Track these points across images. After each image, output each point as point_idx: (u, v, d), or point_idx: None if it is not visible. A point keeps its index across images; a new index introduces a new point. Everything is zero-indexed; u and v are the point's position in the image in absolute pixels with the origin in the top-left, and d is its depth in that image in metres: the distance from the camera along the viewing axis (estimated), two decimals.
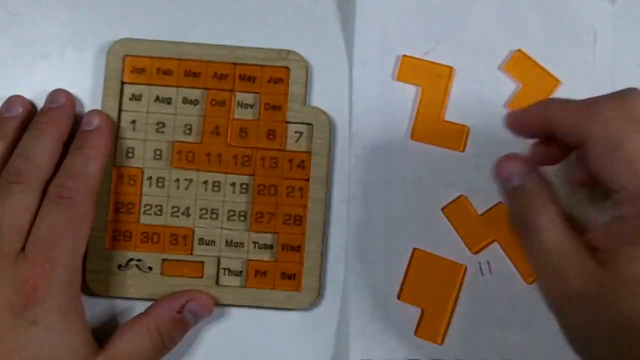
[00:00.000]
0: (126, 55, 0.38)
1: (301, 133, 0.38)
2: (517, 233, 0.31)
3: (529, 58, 0.39)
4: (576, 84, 0.39)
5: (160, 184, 0.38)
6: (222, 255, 0.38)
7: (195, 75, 0.38)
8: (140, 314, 0.36)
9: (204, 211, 0.38)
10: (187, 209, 0.38)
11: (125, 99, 0.38)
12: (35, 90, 0.38)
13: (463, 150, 0.38)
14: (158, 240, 0.38)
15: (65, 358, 0.33)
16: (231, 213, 0.38)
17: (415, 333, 0.37)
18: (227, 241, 0.38)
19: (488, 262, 0.38)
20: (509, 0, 0.39)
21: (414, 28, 0.39)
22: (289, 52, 0.38)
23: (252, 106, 0.38)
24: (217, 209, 0.38)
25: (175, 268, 0.38)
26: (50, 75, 0.39)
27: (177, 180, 0.38)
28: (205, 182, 0.38)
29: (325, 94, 0.39)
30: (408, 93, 0.39)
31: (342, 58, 0.39)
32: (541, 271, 0.30)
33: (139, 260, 0.37)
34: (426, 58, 0.39)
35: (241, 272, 0.38)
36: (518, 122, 0.32)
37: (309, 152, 0.38)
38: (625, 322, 0.27)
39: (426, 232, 0.38)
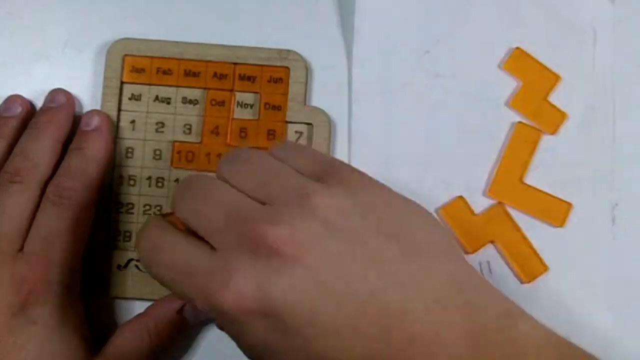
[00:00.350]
0: (126, 55, 0.38)
1: (301, 133, 0.38)
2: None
3: (529, 55, 0.39)
4: (576, 84, 0.39)
5: (159, 184, 0.38)
6: None
7: (195, 75, 0.38)
8: (140, 314, 0.36)
9: None
10: None
11: (125, 98, 0.38)
12: (35, 89, 0.38)
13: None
14: None
15: (64, 358, 0.33)
16: None
17: None
18: None
19: (488, 262, 0.38)
20: (509, 0, 0.39)
21: (413, 28, 0.39)
22: (288, 51, 0.38)
23: (252, 106, 0.38)
24: None
25: None
26: (50, 75, 0.39)
27: (177, 180, 0.38)
28: None
29: (325, 94, 0.39)
30: (409, 93, 0.39)
31: (342, 58, 0.39)
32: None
33: (138, 260, 0.37)
34: (426, 58, 0.39)
35: None
36: None
37: None
38: None
39: None
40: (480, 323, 0.27)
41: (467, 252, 0.38)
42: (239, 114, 0.38)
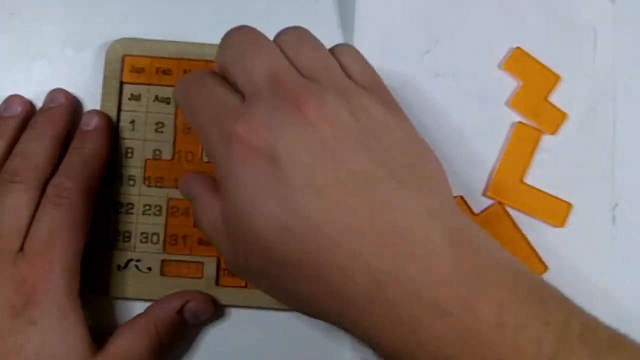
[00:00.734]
0: (125, 55, 0.38)
1: None
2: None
3: (529, 55, 0.39)
4: (576, 83, 0.39)
5: (159, 184, 0.38)
6: (222, 256, 0.37)
7: None
8: (140, 314, 0.36)
9: None
10: (187, 209, 0.38)
11: (125, 98, 0.38)
12: (34, 89, 0.38)
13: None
14: (157, 240, 0.37)
15: (63, 358, 0.33)
16: None
17: None
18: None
19: None
20: (509, 0, 0.39)
21: (413, 28, 0.39)
22: None
23: None
24: None
25: (175, 268, 0.37)
26: (49, 75, 0.39)
27: (176, 180, 0.38)
28: None
29: None
30: (409, 93, 0.39)
31: None
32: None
33: (138, 260, 0.37)
34: (426, 58, 0.39)
35: None
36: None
37: None
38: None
39: None
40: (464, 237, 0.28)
41: None
42: None
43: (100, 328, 0.37)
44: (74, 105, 0.38)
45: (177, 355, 0.37)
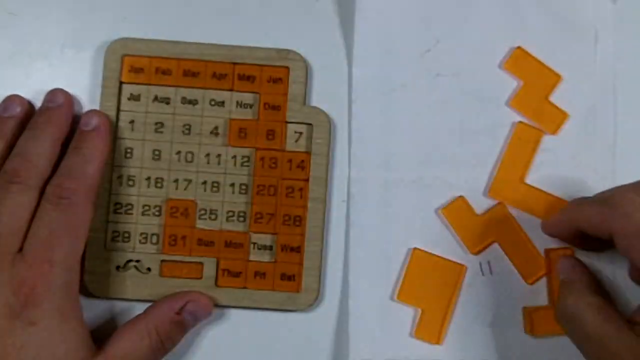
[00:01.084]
0: (124, 55, 0.38)
1: (301, 133, 0.38)
2: (562, 325, 0.33)
3: (529, 55, 0.39)
4: (577, 83, 0.39)
5: (159, 185, 0.38)
6: (221, 256, 0.37)
7: (194, 74, 0.38)
8: (139, 315, 0.36)
9: (202, 212, 0.38)
10: (186, 209, 0.38)
11: (124, 98, 0.38)
12: (34, 89, 0.38)
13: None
14: (157, 241, 0.37)
15: (62, 359, 0.33)
16: (230, 214, 0.38)
17: (415, 333, 0.37)
18: (226, 242, 0.37)
19: (489, 262, 0.38)
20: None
21: (413, 27, 0.39)
22: (288, 51, 0.38)
23: (251, 106, 0.38)
24: (216, 210, 0.38)
25: (174, 269, 0.37)
26: (49, 75, 0.39)
27: (176, 180, 0.38)
28: (205, 183, 0.38)
29: (325, 94, 0.39)
30: (409, 93, 0.39)
31: (342, 57, 0.39)
32: (587, 357, 0.32)
33: (137, 261, 0.37)
34: (426, 57, 0.39)
35: (240, 273, 0.37)
36: (552, 231, 0.37)
37: (308, 153, 0.38)
38: None
39: (426, 232, 0.38)
40: None
41: (470, 253, 0.38)
42: (239, 114, 0.38)
43: (99, 329, 0.37)
44: (73, 105, 0.38)
45: (177, 355, 0.37)
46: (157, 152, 0.38)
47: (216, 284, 0.37)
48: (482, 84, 0.39)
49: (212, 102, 0.38)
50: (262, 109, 0.38)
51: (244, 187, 0.38)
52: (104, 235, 0.37)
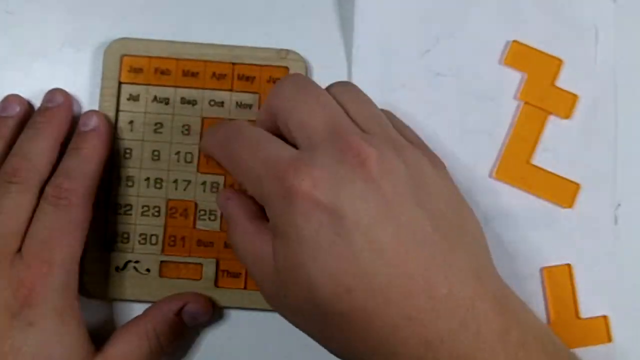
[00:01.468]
0: (124, 55, 0.38)
1: None
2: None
3: (527, 46, 0.39)
4: (577, 84, 0.39)
5: (158, 185, 0.38)
6: (221, 257, 0.37)
7: (193, 75, 0.38)
8: (138, 316, 0.36)
9: (202, 212, 0.38)
10: (185, 210, 0.37)
11: (123, 99, 0.38)
12: (33, 89, 0.38)
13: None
14: (156, 242, 0.37)
15: None
16: None
17: None
18: (226, 242, 0.37)
19: None
20: None
21: (413, 27, 0.39)
22: (288, 51, 0.38)
23: (251, 106, 0.38)
24: (216, 211, 0.38)
25: (174, 270, 0.37)
26: (48, 75, 0.38)
27: (176, 181, 0.38)
28: (204, 183, 0.38)
29: None
30: (409, 93, 0.39)
31: (342, 57, 0.39)
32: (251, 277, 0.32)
33: (136, 262, 0.37)
34: (426, 57, 0.39)
35: (240, 273, 0.37)
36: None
37: None
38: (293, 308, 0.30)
39: None
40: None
41: None
42: (238, 114, 0.38)
43: (98, 330, 0.37)
44: (73, 105, 0.38)
45: (176, 357, 0.37)
46: (156, 153, 0.38)
47: (216, 285, 0.37)
48: (483, 82, 0.39)
49: (212, 103, 0.38)
50: None
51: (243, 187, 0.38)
52: (103, 235, 0.37)
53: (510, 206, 0.38)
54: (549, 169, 0.38)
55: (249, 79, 0.38)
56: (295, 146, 0.30)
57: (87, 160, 0.36)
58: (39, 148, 0.35)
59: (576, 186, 0.38)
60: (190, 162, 0.38)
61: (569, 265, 0.37)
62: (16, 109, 0.37)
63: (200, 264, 0.37)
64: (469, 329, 0.27)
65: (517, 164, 0.38)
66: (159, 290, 0.37)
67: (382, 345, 0.28)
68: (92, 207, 0.35)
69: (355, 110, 0.31)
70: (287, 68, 0.38)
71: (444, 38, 0.39)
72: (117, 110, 0.38)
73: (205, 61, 0.38)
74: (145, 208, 0.38)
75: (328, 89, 0.32)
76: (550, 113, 0.38)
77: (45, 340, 0.32)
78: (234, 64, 0.38)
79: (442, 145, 0.38)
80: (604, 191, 0.38)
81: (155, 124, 0.38)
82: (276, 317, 0.37)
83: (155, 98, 0.38)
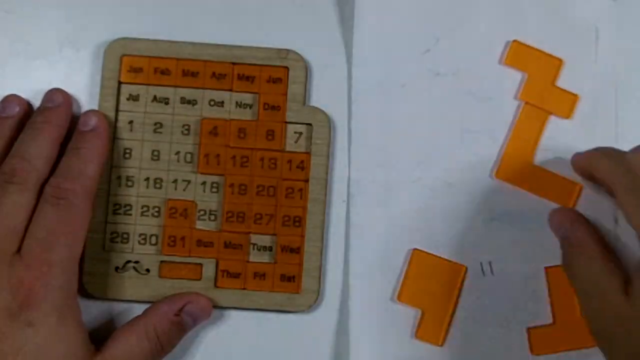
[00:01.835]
0: (123, 55, 0.38)
1: (300, 133, 0.38)
2: (570, 280, 0.35)
3: (527, 46, 0.39)
4: (577, 83, 0.39)
5: (157, 185, 0.38)
6: (220, 257, 0.37)
7: (193, 75, 0.38)
8: (138, 316, 0.36)
9: (202, 212, 0.37)
10: (185, 210, 0.37)
11: (123, 99, 0.38)
12: (32, 89, 0.38)
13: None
14: (156, 242, 0.37)
15: None
16: (230, 214, 0.37)
17: (416, 335, 0.37)
18: (225, 243, 0.37)
19: (490, 262, 0.38)
20: None
21: (413, 27, 0.39)
22: (288, 51, 0.38)
23: (250, 106, 0.38)
24: (216, 211, 0.37)
25: (173, 270, 0.37)
26: (47, 75, 0.38)
27: (175, 181, 0.38)
28: (204, 184, 0.38)
29: (325, 94, 0.39)
30: (409, 93, 0.39)
31: (342, 57, 0.39)
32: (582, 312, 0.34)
33: (136, 262, 0.37)
34: (426, 56, 0.39)
35: (240, 274, 0.37)
36: (574, 163, 0.37)
37: (308, 153, 0.38)
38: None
39: (426, 232, 0.38)
40: None
41: (470, 253, 0.38)
42: (238, 114, 0.38)
43: (98, 330, 0.37)
44: (72, 105, 0.38)
45: (176, 357, 0.37)
46: (156, 153, 0.38)
47: (215, 285, 0.37)
48: (484, 82, 0.39)
49: (212, 103, 0.38)
50: (261, 109, 0.38)
51: (243, 187, 0.38)
52: (103, 236, 0.37)
53: (512, 206, 0.38)
54: (550, 169, 0.38)
55: (249, 78, 0.38)
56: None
57: (86, 160, 0.35)
58: (38, 148, 0.35)
59: (577, 186, 0.38)
60: (190, 162, 0.38)
61: None
62: (15, 109, 0.37)
63: (200, 264, 0.37)
64: None
65: (518, 164, 0.38)
66: (159, 291, 0.37)
67: None
68: (91, 207, 0.35)
69: None
70: (287, 68, 0.38)
71: (444, 38, 0.39)
72: (117, 110, 0.38)
73: (205, 61, 0.38)
74: (145, 208, 0.37)
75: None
76: (551, 113, 0.38)
77: (45, 340, 0.32)
78: (234, 63, 0.38)
79: (442, 145, 0.38)
80: (605, 191, 0.38)
81: (155, 123, 0.38)
82: (276, 317, 0.37)
83: (155, 98, 0.38)
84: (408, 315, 0.37)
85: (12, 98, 0.37)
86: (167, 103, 0.38)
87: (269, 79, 0.38)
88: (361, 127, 0.38)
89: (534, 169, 0.38)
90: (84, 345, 0.33)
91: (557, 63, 0.39)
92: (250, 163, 0.38)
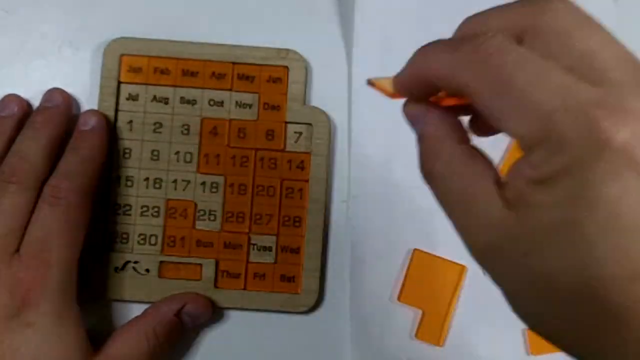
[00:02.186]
0: (123, 55, 0.38)
1: (300, 133, 0.38)
2: (427, 184, 0.26)
3: None
4: None
5: (157, 185, 0.37)
6: (220, 258, 0.37)
7: (193, 74, 0.38)
8: (137, 316, 0.36)
9: (201, 212, 0.37)
10: (185, 210, 0.37)
11: (122, 98, 0.38)
12: (31, 89, 0.38)
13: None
14: (155, 242, 0.37)
15: None
16: (229, 214, 0.37)
17: (416, 335, 0.37)
18: (225, 243, 0.37)
19: None
20: None
21: (413, 27, 0.39)
22: (288, 51, 0.38)
23: (250, 106, 0.38)
24: (216, 211, 0.37)
25: (173, 270, 0.37)
26: (47, 74, 0.38)
27: (175, 181, 0.38)
28: (203, 184, 0.38)
29: (325, 94, 0.39)
30: None
31: (342, 57, 0.39)
32: (452, 223, 0.25)
33: (136, 262, 0.37)
34: None
35: (240, 274, 0.37)
36: (399, 90, 0.28)
37: (308, 153, 0.38)
38: (541, 279, 0.22)
39: (426, 232, 0.38)
40: None
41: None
42: (238, 114, 0.38)
43: (97, 330, 0.36)
44: (71, 105, 0.38)
45: (176, 357, 0.37)
46: (155, 153, 0.38)
47: (215, 286, 0.37)
48: None
49: (211, 102, 0.38)
50: (261, 109, 0.38)
51: (243, 187, 0.38)
52: (102, 236, 0.37)
53: None
54: None
55: (248, 78, 0.38)
56: None
57: (86, 159, 0.35)
58: (37, 148, 0.35)
59: None
60: (190, 162, 0.38)
61: None
62: (15, 109, 0.37)
63: (200, 265, 0.37)
64: None
65: None
66: (158, 291, 0.37)
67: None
68: (91, 207, 0.35)
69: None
70: (287, 68, 0.38)
71: (444, 37, 0.39)
72: (117, 110, 0.38)
73: (204, 61, 0.38)
74: (145, 208, 0.37)
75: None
76: None
77: (44, 340, 0.32)
78: (233, 63, 0.38)
79: None
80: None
81: (155, 123, 0.38)
82: (276, 317, 0.37)
83: (154, 97, 0.38)
84: (408, 315, 0.37)
85: (11, 97, 0.37)
86: (166, 103, 0.38)
87: (269, 79, 0.38)
88: (361, 127, 0.38)
89: None
90: (83, 345, 0.33)
91: None
92: (250, 163, 0.38)
